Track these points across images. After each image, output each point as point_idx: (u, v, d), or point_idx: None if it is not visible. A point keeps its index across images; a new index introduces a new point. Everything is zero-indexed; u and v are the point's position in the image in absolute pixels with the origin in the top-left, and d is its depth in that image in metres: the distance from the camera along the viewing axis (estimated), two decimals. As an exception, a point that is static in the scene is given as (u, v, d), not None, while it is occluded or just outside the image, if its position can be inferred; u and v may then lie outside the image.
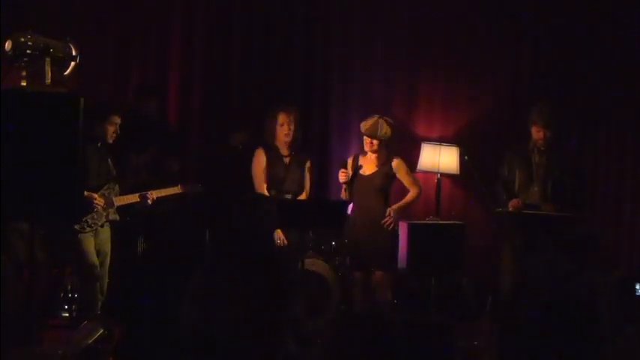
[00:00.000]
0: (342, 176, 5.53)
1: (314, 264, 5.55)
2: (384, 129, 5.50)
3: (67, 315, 5.69)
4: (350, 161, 5.70)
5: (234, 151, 5.92)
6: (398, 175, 5.65)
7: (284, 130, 5.55)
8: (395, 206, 5.58)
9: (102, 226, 5.29)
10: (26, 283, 4.44)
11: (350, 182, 5.56)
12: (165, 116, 6.47)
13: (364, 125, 5.53)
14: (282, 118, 5.56)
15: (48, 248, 5.24)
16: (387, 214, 5.51)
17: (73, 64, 4.22)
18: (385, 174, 5.59)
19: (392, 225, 5.48)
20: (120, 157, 5.60)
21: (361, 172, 5.58)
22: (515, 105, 6.92)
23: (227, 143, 6.00)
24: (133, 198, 5.41)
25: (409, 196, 5.67)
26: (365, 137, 5.53)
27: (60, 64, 4.14)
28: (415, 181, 5.75)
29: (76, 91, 4.08)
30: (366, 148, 5.56)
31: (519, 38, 6.99)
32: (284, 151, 5.65)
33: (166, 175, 5.71)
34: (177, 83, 6.54)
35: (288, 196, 5.64)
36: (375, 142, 5.49)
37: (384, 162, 5.59)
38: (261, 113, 5.94)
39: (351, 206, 5.70)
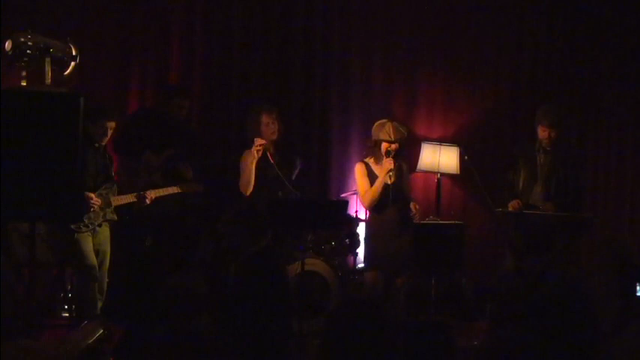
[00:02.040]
0: (390, 163, 5.32)
1: (314, 264, 5.55)
2: (404, 130, 5.47)
3: (67, 315, 5.69)
4: (364, 168, 5.49)
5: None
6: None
7: (270, 129, 5.55)
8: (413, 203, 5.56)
9: (99, 225, 5.27)
10: (26, 283, 4.45)
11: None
12: (190, 120, 6.42)
13: (388, 133, 5.34)
14: (265, 118, 5.56)
15: (48, 248, 5.24)
16: (413, 206, 5.47)
17: (73, 64, 4.22)
18: (403, 176, 5.54)
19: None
20: (137, 154, 5.61)
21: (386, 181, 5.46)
22: (515, 105, 6.93)
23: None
24: (131, 198, 5.40)
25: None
26: (387, 144, 5.35)
27: (60, 64, 4.14)
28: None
29: (76, 91, 4.08)
30: (385, 154, 5.35)
31: (519, 38, 7.00)
32: (270, 149, 5.62)
33: (179, 180, 5.68)
34: (177, 84, 6.52)
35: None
36: (396, 146, 5.40)
37: (399, 165, 5.49)
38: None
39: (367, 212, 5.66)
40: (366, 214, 5.80)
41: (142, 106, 6.38)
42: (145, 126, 5.89)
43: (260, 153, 5.44)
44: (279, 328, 4.08)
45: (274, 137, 5.60)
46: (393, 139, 5.36)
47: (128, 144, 5.94)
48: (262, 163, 5.52)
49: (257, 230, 4.32)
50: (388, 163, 5.31)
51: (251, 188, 5.49)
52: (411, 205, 5.50)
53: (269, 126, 5.54)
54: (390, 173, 5.32)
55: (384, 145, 5.37)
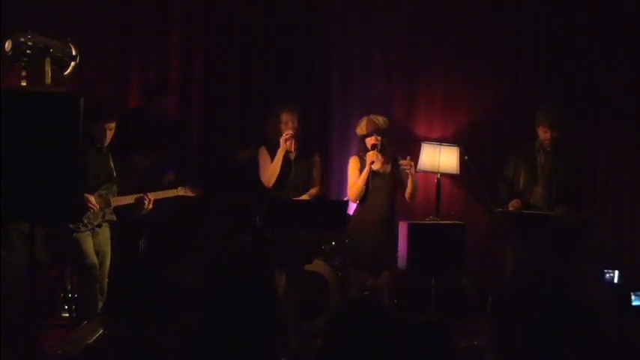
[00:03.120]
0: (373, 156, 5.40)
1: (314, 264, 5.55)
2: (380, 120, 5.48)
3: (67, 315, 5.69)
4: (357, 161, 5.56)
5: (238, 164, 5.96)
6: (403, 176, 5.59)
7: (289, 127, 5.56)
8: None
9: (99, 226, 5.27)
10: (26, 283, 4.45)
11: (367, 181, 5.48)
12: (179, 120, 6.43)
13: (362, 128, 5.48)
14: (285, 116, 5.57)
15: (47, 248, 5.23)
16: (405, 161, 5.42)
17: (73, 64, 4.22)
18: (398, 170, 5.54)
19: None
20: (124, 156, 5.59)
21: (378, 170, 5.48)
22: (515, 105, 6.93)
23: (232, 157, 6.04)
24: (130, 199, 5.39)
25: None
26: (368, 138, 5.45)
27: (60, 64, 4.14)
28: None
29: (76, 91, 4.08)
30: (371, 148, 5.43)
31: (519, 38, 7.00)
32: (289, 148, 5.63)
33: (163, 183, 5.69)
34: (177, 84, 6.53)
35: (296, 192, 5.59)
36: (379, 137, 5.45)
37: (393, 159, 5.54)
38: (262, 113, 5.95)
39: (354, 205, 5.66)
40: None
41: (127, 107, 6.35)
42: (130, 128, 5.83)
43: (289, 143, 5.48)
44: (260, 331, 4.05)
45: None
46: (365, 133, 5.46)
47: (115, 146, 5.91)
48: (285, 155, 5.56)
49: (242, 228, 4.30)
50: (371, 155, 5.40)
51: (274, 180, 5.53)
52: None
53: (288, 124, 5.56)
54: (373, 165, 5.41)
55: (366, 141, 5.46)
